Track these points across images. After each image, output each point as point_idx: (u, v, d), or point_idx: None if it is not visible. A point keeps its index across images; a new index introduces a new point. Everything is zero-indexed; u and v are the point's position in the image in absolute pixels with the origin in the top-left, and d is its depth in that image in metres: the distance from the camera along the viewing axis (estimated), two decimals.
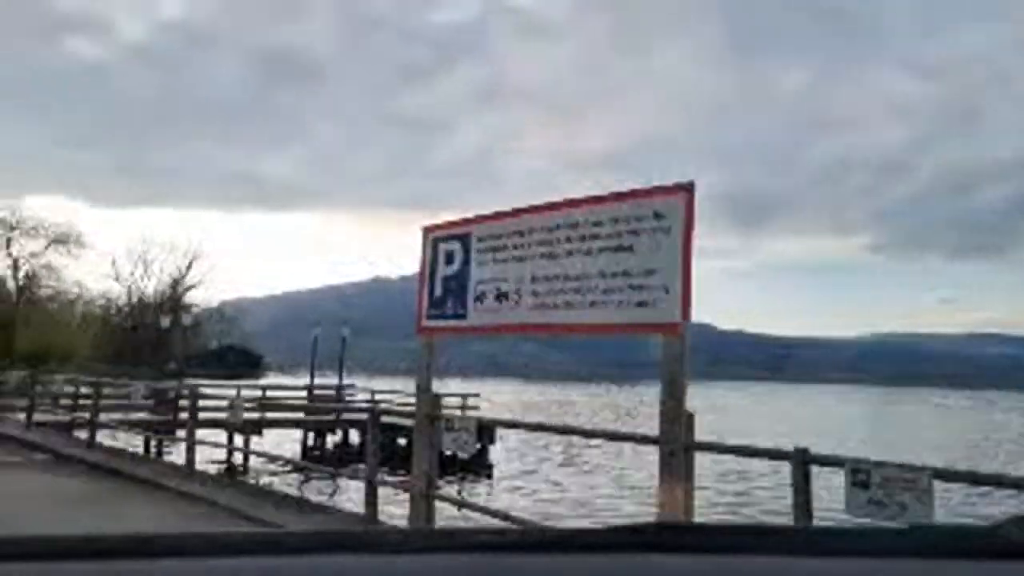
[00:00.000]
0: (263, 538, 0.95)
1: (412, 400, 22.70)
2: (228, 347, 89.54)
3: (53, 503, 7.27)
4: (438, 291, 5.67)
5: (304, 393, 28.69)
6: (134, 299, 77.34)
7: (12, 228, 63.03)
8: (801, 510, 3.83)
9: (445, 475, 23.65)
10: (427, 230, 5.90)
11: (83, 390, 19.45)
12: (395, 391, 29.66)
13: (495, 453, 25.52)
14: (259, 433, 22.07)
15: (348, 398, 29.71)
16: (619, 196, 4.48)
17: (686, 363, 4.12)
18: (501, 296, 5.12)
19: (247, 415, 16.91)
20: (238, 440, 21.75)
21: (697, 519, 4.24)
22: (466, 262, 5.45)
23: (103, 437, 16.23)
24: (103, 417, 14.25)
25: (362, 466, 21.06)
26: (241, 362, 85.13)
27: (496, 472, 23.72)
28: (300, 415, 24.31)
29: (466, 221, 5.57)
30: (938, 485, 3.51)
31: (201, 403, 22.29)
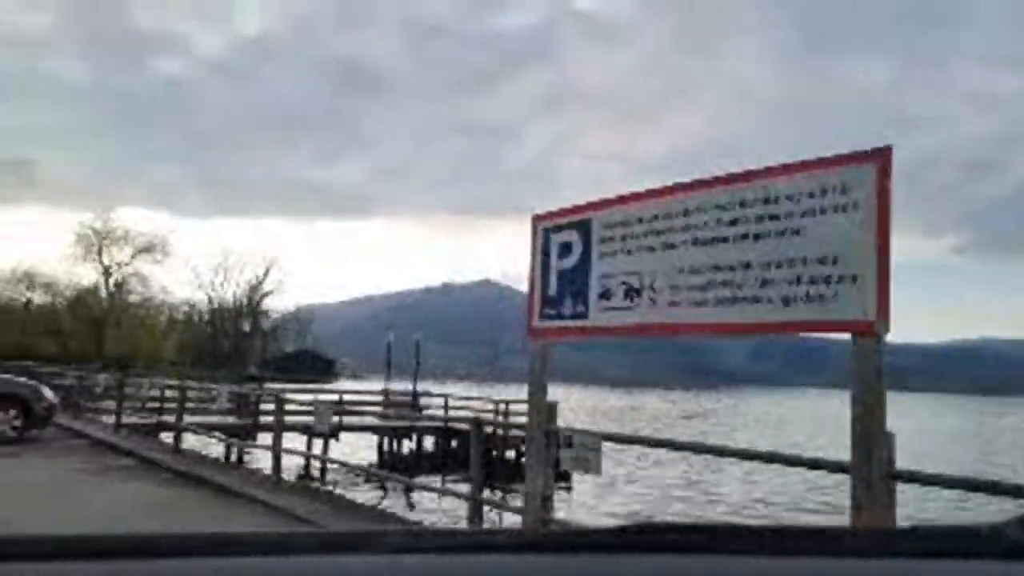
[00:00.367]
0: (264, 538, 0.94)
1: (490, 407, 22.10)
2: (302, 352, 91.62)
3: (140, 514, 6.97)
4: (552, 288, 5.00)
5: (380, 398, 28.59)
6: (214, 305, 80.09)
7: (103, 238, 66.31)
8: None
9: (512, 482, 23.13)
10: (537, 219, 5.25)
11: (167, 393, 19.74)
12: (470, 397, 29.23)
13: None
14: (336, 438, 21.98)
15: (423, 404, 29.45)
16: (789, 168, 3.71)
17: (881, 372, 3.31)
18: (632, 292, 4.41)
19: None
20: (313, 444, 21.77)
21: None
22: (586, 254, 4.77)
23: (186, 441, 16.37)
24: (186, 420, 14.40)
25: (433, 478, 20.71)
26: (314, 366, 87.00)
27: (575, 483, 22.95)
28: (376, 420, 24.10)
29: (585, 207, 4.88)
30: None
31: (270, 407, 22.52)
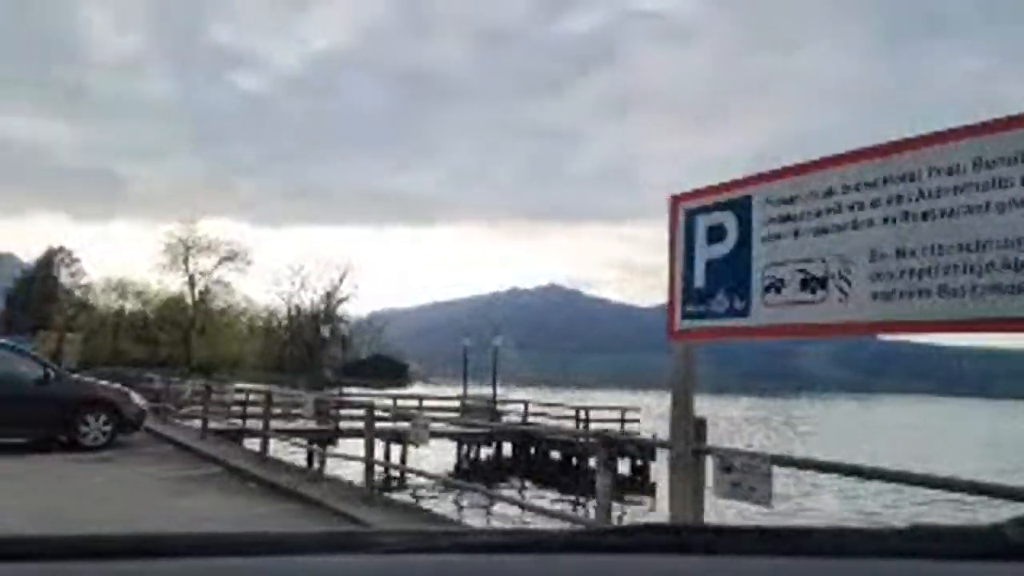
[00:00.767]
0: (264, 538, 0.94)
1: (568, 413, 21.16)
2: (376, 357, 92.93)
3: (230, 529, 6.51)
4: (699, 281, 4.21)
5: (457, 404, 28.21)
6: (293, 312, 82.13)
7: (189, 247, 68.94)
8: None
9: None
10: (677, 200, 4.47)
11: (251, 398, 19.82)
12: (550, 403, 28.47)
13: (656, 470, 23.78)
14: (416, 444, 21.61)
15: (501, 410, 28.88)
16: None
17: None
18: (813, 283, 3.58)
19: (402, 424, 16.42)
20: (392, 450, 21.49)
21: None
22: (745, 238, 3.96)
23: (256, 444, 16.21)
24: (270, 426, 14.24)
25: (502, 486, 19.95)
26: (388, 371, 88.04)
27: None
28: (454, 427, 23.64)
29: (742, 182, 4.08)
30: None
31: (356, 412, 22.41)
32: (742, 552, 0.89)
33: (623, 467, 24.46)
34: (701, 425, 4.27)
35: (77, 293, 69.99)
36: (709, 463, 4.24)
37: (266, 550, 0.89)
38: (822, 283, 3.55)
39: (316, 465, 18.89)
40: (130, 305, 69.96)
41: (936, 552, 0.90)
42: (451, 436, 24.02)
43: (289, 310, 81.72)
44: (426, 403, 25.99)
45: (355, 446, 20.99)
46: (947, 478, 3.94)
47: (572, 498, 20.56)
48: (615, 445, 5.34)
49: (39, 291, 65.35)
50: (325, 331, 63.20)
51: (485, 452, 26.26)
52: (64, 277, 70.55)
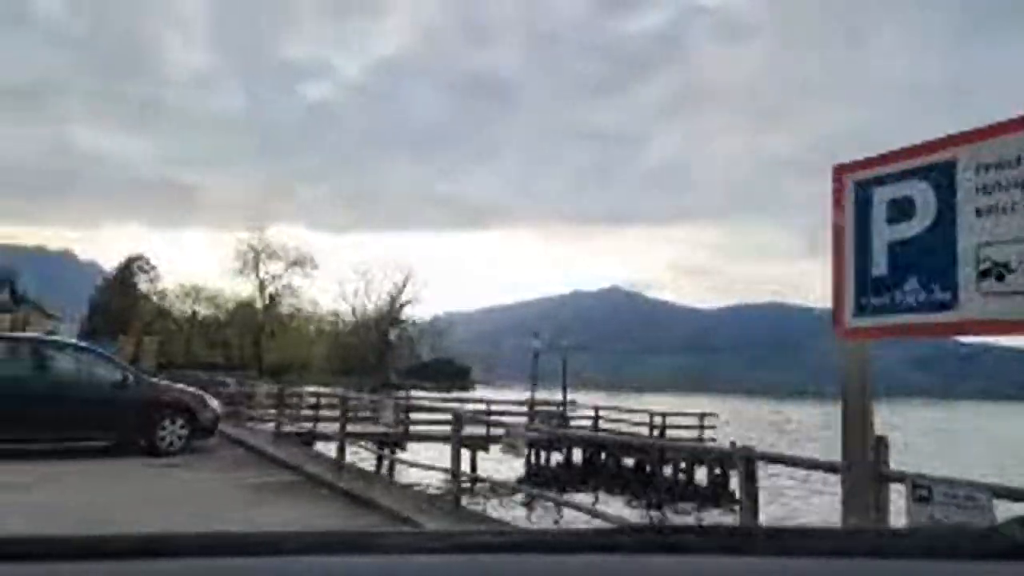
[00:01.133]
0: (265, 539, 0.94)
1: (641, 419, 20.22)
2: (439, 360, 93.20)
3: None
4: (880, 268, 3.44)
5: (525, 408, 27.60)
6: (357, 316, 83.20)
7: (258, 253, 70.65)
8: None
9: (675, 501, 21.24)
10: (841, 170, 3.70)
11: (323, 402, 19.66)
12: (622, 408, 27.56)
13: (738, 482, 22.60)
14: (486, 450, 21.12)
15: (571, 415, 28.11)
16: None
17: None
18: None
19: (473, 430, 15.87)
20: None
21: None
22: (946, 213, 3.18)
23: (326, 448, 15.91)
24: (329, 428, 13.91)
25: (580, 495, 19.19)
26: (451, 374, 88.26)
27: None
28: (529, 433, 23.01)
29: (937, 144, 3.29)
30: None
31: (424, 416, 22.03)
32: (743, 552, 0.90)
33: (700, 476, 23.49)
34: (882, 444, 3.49)
35: (154, 299, 72.53)
36: (893, 489, 3.46)
37: (268, 550, 0.89)
38: None
39: (384, 470, 18.63)
40: (203, 310, 72.09)
41: (936, 552, 0.90)
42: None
43: (354, 312, 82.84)
44: (494, 407, 25.45)
45: (424, 450, 20.80)
46: None
47: (646, 506, 19.75)
48: (753, 462, 4.57)
49: (119, 297, 67.97)
50: (393, 334, 63.66)
51: (555, 458, 25.57)
52: (142, 283, 73.23)
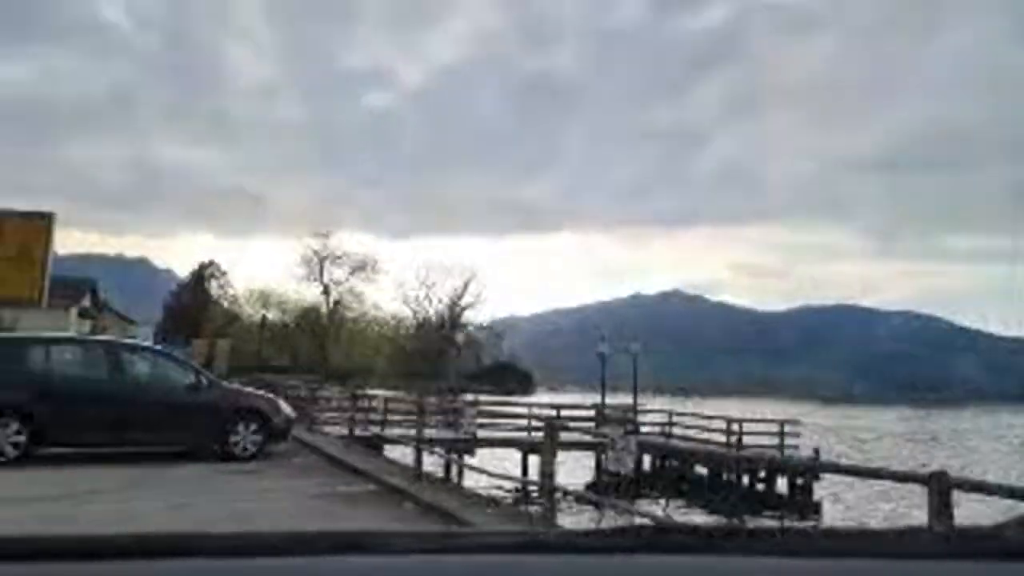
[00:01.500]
0: (265, 539, 0.93)
1: (716, 425, 19.34)
2: (500, 364, 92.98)
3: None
4: None
5: (592, 413, 26.92)
6: (419, 320, 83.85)
7: (323, 259, 72.05)
8: None
9: (755, 510, 20.20)
10: None
11: (391, 406, 19.47)
12: (695, 414, 26.60)
13: (821, 490, 21.48)
14: (554, 454, 20.54)
15: (641, 420, 27.27)
16: None
17: None
18: None
19: (537, 434, 15.35)
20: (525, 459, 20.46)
21: None
22: None
23: (395, 452, 15.62)
24: (399, 433, 13.56)
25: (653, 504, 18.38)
26: (512, 378, 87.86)
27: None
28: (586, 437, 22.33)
29: None
30: None
31: (492, 421, 21.63)
32: (743, 552, 0.90)
33: (780, 484, 22.46)
34: None
35: (225, 304, 74.79)
36: None
37: (269, 551, 0.89)
38: None
39: (455, 477, 18.28)
40: (271, 314, 73.87)
41: (936, 552, 0.90)
42: (590, 447, 22.79)
43: (416, 315, 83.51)
44: (563, 412, 24.92)
45: (489, 455, 20.40)
46: None
47: (720, 516, 18.87)
48: (949, 490, 3.78)
49: (192, 302, 70.33)
50: (459, 337, 63.89)
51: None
52: (214, 289, 75.58)
